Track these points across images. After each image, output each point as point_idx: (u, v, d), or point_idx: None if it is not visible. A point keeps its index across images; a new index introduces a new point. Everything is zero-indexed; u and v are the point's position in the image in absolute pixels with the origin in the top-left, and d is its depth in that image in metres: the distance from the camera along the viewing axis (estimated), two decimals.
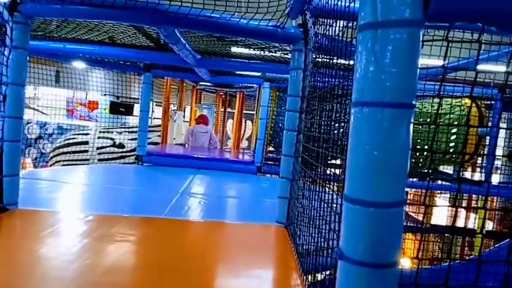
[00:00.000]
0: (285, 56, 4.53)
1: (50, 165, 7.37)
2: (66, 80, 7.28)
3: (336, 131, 1.95)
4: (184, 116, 9.65)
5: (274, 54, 4.53)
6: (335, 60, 1.92)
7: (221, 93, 10.27)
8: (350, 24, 1.59)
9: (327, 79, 2.13)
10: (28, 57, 2.84)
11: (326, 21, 2.20)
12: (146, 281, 1.91)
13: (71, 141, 7.43)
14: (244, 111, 9.55)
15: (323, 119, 2.20)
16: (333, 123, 2.04)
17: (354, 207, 1.10)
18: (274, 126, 6.80)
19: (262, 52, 4.53)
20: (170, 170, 5.74)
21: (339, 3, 1.81)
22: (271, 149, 7.72)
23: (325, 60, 2.23)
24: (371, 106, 1.07)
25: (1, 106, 2.67)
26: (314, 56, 2.59)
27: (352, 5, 1.62)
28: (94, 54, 5.12)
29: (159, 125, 8.00)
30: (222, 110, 10.51)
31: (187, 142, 7.78)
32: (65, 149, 7.29)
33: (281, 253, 2.65)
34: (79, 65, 6.35)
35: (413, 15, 1.02)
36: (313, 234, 2.09)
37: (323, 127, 2.22)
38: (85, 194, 4.00)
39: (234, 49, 4.95)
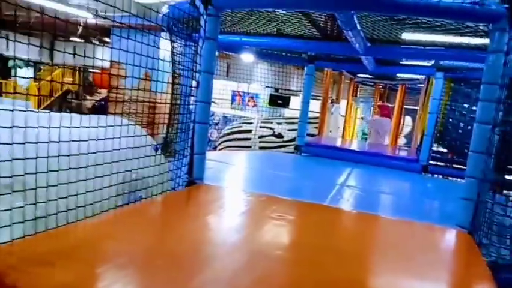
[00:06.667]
0: (474, 40, 3.96)
1: (220, 150, 8.16)
2: (234, 72, 7.91)
3: None
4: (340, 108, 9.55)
5: (459, 38, 4.01)
6: None
7: (380, 86, 9.78)
8: None
9: None
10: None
11: None
12: (323, 262, 1.89)
13: (237, 129, 8.10)
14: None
15: None
16: None
17: None
18: (445, 122, 6.11)
19: (447, 36, 4.03)
20: (328, 161, 5.71)
21: None
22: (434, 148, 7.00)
23: None
24: None
25: (195, 92, 2.99)
26: None
27: None
28: (265, 46, 5.40)
29: (315, 118, 8.05)
30: (379, 103, 10.01)
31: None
32: (233, 136, 7.98)
33: (466, 260, 2.33)
34: (247, 57, 6.80)
35: None
36: None
37: None
38: (253, 176, 4.25)
39: (405, 35, 4.58)
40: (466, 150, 2.79)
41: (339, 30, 4.19)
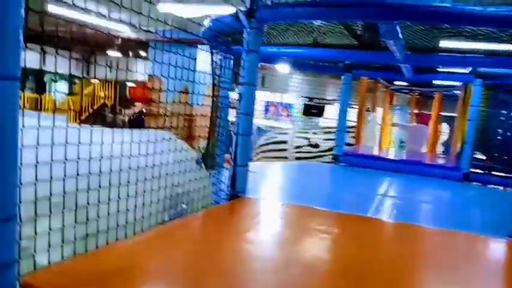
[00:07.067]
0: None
1: (256, 161, 8.16)
2: (269, 83, 7.95)
3: None
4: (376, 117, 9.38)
5: (499, 45, 3.87)
6: None
7: (416, 94, 9.56)
8: None
9: None
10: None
11: None
12: (372, 275, 1.84)
13: (272, 140, 8.11)
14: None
15: None
16: None
17: None
18: (483, 129, 5.92)
19: (488, 43, 3.91)
20: (367, 171, 5.62)
21: None
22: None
23: None
24: None
25: (237, 104, 3.01)
26: None
27: None
28: (303, 56, 5.39)
29: (351, 127, 7.94)
30: (416, 111, 9.81)
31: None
32: (268, 147, 8.00)
33: None
34: (283, 68, 6.81)
35: None
36: None
37: None
38: (293, 187, 4.23)
39: (443, 43, 4.46)
40: (506, 157, 2.68)
41: (377, 38, 4.15)
